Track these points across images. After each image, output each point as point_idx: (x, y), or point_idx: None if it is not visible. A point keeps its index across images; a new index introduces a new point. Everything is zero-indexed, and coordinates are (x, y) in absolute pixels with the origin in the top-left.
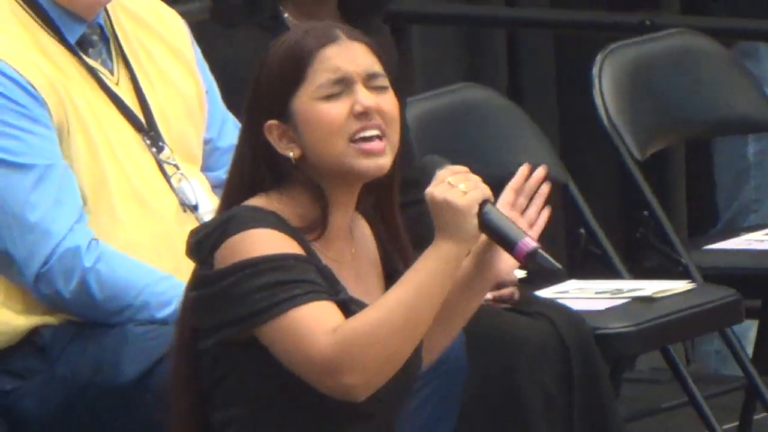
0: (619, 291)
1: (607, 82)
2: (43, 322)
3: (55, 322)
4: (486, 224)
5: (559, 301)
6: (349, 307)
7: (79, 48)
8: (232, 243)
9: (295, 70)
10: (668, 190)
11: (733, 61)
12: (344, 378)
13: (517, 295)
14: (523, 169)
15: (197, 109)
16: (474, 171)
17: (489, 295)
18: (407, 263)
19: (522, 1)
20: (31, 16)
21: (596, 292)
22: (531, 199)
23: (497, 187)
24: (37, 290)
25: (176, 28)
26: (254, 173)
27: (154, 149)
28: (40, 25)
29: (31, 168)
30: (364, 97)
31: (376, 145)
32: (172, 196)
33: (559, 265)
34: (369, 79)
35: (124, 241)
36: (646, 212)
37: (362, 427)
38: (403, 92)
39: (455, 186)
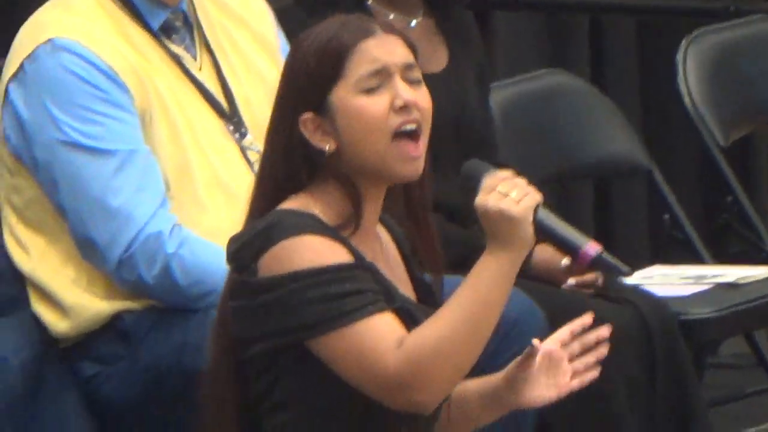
0: (703, 277)
1: (691, 68)
2: (126, 307)
3: (137, 307)
4: (544, 230)
5: (643, 287)
6: (408, 311)
7: (162, 34)
8: (279, 251)
9: (334, 63)
10: (752, 176)
11: None
12: (415, 395)
13: (601, 281)
14: (587, 318)
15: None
16: (557, 157)
17: (572, 281)
18: (436, 265)
19: None
20: (115, 3)
21: (680, 278)
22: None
23: (579, 176)
24: (119, 276)
25: (261, 14)
26: (289, 169)
27: (237, 135)
28: (122, 10)
29: (113, 153)
30: (404, 91)
31: (415, 148)
32: None
33: (626, 267)
34: (406, 71)
35: (207, 227)
36: (729, 198)
37: (409, 426)
38: (486, 78)
39: (507, 194)
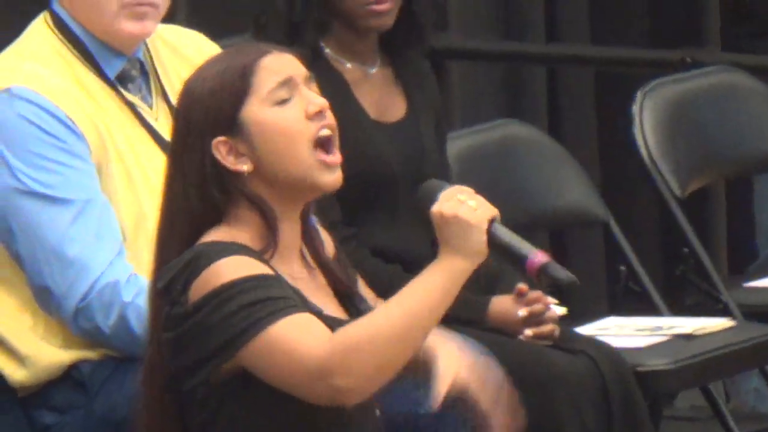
0: (659, 328)
1: (647, 119)
2: (83, 356)
3: (94, 356)
4: (495, 240)
5: (599, 338)
6: (325, 322)
7: (118, 83)
8: (204, 277)
9: (239, 80)
10: (708, 227)
11: None
12: (337, 380)
13: (557, 332)
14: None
15: None
16: (513, 208)
17: (529, 332)
18: (329, 271)
19: (562, 37)
20: (71, 51)
21: (636, 329)
22: None
23: (535, 227)
24: (76, 325)
25: None
26: (206, 202)
27: None
28: (79, 60)
29: (70, 202)
30: (315, 97)
31: (336, 158)
32: None
33: (572, 276)
34: (308, 81)
35: None
36: (686, 249)
37: None
38: (443, 127)
39: (465, 203)
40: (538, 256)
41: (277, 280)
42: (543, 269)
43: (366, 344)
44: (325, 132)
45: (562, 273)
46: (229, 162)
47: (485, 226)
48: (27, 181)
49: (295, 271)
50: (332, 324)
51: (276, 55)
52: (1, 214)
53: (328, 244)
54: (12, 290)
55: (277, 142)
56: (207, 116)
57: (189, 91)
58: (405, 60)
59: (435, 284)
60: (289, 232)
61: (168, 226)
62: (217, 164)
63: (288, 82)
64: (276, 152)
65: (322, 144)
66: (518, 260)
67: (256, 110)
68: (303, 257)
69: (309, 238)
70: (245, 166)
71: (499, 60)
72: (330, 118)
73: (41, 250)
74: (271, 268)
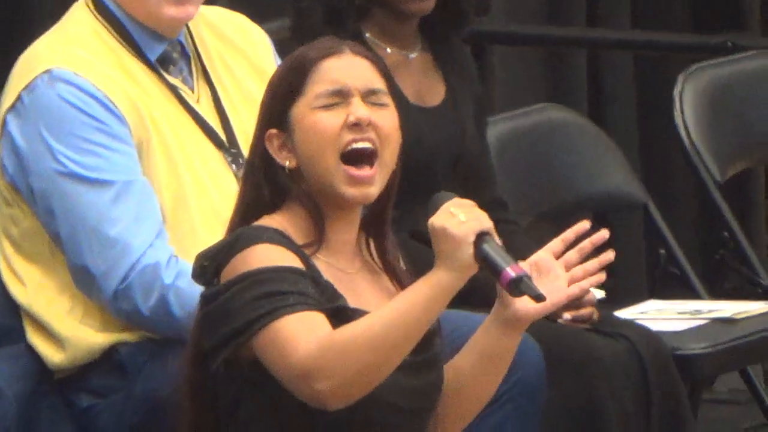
0: (699, 312)
1: (688, 102)
2: (121, 339)
3: (133, 339)
4: (479, 254)
5: (639, 321)
6: (345, 315)
7: (160, 66)
8: (236, 261)
9: (296, 79)
10: (749, 211)
11: None
12: (316, 384)
13: (596, 316)
14: (583, 225)
15: None
16: (553, 191)
17: (568, 315)
18: (397, 279)
19: (603, 22)
20: (112, 35)
21: (675, 313)
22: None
23: (576, 210)
24: (115, 307)
25: (261, 45)
26: (255, 188)
27: (234, 167)
28: (121, 43)
29: (111, 184)
30: (358, 109)
31: (364, 173)
32: None
33: (541, 292)
34: (368, 95)
35: None
36: (725, 233)
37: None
38: (484, 112)
39: (455, 216)
40: (512, 270)
41: (300, 273)
42: (515, 282)
43: (346, 350)
44: (358, 145)
45: (533, 289)
46: (279, 156)
47: (471, 239)
48: (68, 164)
49: (342, 265)
50: (354, 316)
51: (342, 60)
52: (42, 196)
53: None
54: (51, 273)
55: (310, 145)
56: (266, 107)
57: (270, 79)
58: (445, 45)
59: (420, 296)
60: (340, 231)
61: (235, 206)
62: (267, 155)
63: (340, 92)
64: (309, 155)
65: (351, 156)
66: (495, 273)
67: (303, 110)
68: (361, 255)
69: (380, 243)
70: (288, 162)
71: (541, 44)
72: (374, 134)
73: (82, 230)
74: (306, 260)
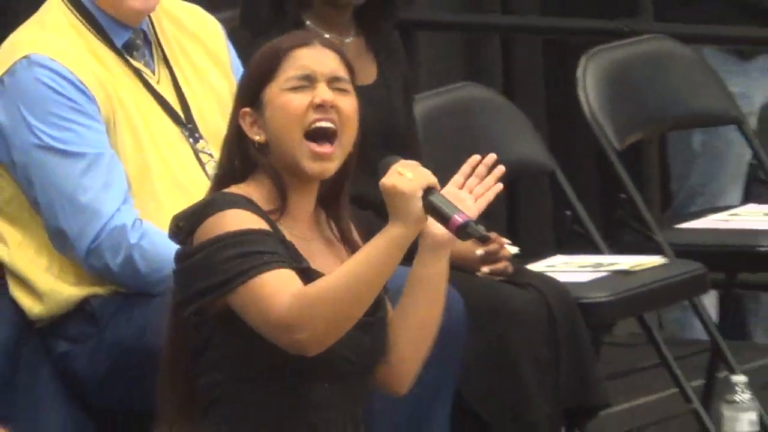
0: (600, 265)
1: (590, 81)
2: (93, 292)
3: (103, 292)
4: (428, 206)
5: (547, 273)
6: (308, 275)
7: (125, 51)
8: (208, 223)
9: (270, 64)
10: (643, 176)
11: (699, 62)
12: (296, 335)
13: (510, 269)
14: (474, 158)
15: (230, 106)
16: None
17: (486, 269)
18: (351, 247)
19: (515, 9)
20: (83, 23)
21: (580, 266)
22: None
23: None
24: (88, 264)
25: (214, 33)
26: (228, 159)
27: (191, 140)
28: (91, 31)
29: (82, 156)
30: (323, 92)
31: (325, 149)
32: (207, 182)
33: (488, 234)
34: (332, 81)
35: (164, 222)
36: (623, 195)
37: (331, 387)
38: (411, 90)
39: (403, 174)
40: (458, 218)
41: (270, 236)
42: (462, 227)
43: (319, 302)
44: (321, 124)
45: (477, 231)
46: (251, 132)
47: (419, 194)
48: (44, 138)
49: (301, 232)
50: (315, 276)
51: (312, 49)
52: (22, 167)
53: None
54: (30, 234)
55: (279, 122)
56: (242, 88)
57: (247, 64)
58: (376, 31)
59: (378, 249)
60: (300, 201)
61: (214, 173)
62: (241, 131)
63: (308, 77)
64: (277, 131)
65: (314, 134)
66: (444, 221)
67: (275, 91)
68: (318, 225)
69: (337, 217)
70: (257, 137)
71: (460, 30)
72: (336, 115)
73: (57, 197)
74: (271, 224)
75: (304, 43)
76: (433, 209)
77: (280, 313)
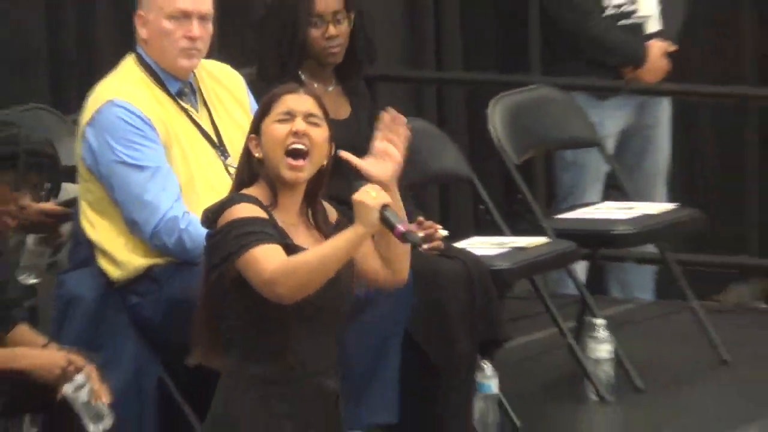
0: (504, 243)
1: (497, 117)
2: (155, 262)
3: (162, 262)
4: (383, 218)
5: (468, 249)
6: (292, 249)
7: (177, 96)
8: (227, 213)
9: (267, 105)
10: (534, 181)
11: (571, 102)
12: (278, 290)
13: (442, 246)
14: (384, 116)
15: None
16: (414, 171)
17: (426, 246)
18: (324, 233)
19: (446, 67)
20: (148, 77)
21: (490, 245)
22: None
23: (428, 183)
24: (152, 243)
25: (239, 84)
26: (241, 172)
27: (222, 158)
28: (154, 82)
29: (147, 168)
30: (299, 124)
31: (298, 163)
32: None
33: (420, 240)
34: (307, 116)
35: None
36: (520, 195)
37: (308, 325)
38: (373, 122)
39: (369, 193)
40: (400, 229)
41: (267, 221)
42: (403, 234)
43: (296, 269)
44: (296, 146)
45: (413, 238)
46: (254, 150)
47: (378, 208)
48: (121, 155)
49: (288, 219)
50: (297, 250)
51: (295, 94)
52: (106, 176)
53: (331, 215)
54: (113, 222)
55: (269, 144)
56: (252, 123)
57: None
58: (350, 82)
59: (344, 240)
60: (288, 199)
61: (232, 185)
62: (249, 150)
63: (289, 113)
64: (268, 150)
65: (291, 152)
66: (391, 229)
67: (267, 123)
68: (302, 215)
69: (314, 210)
70: (257, 154)
71: (406, 82)
72: (308, 140)
73: (129, 197)
74: (269, 214)
75: (290, 91)
76: (385, 220)
77: (268, 274)
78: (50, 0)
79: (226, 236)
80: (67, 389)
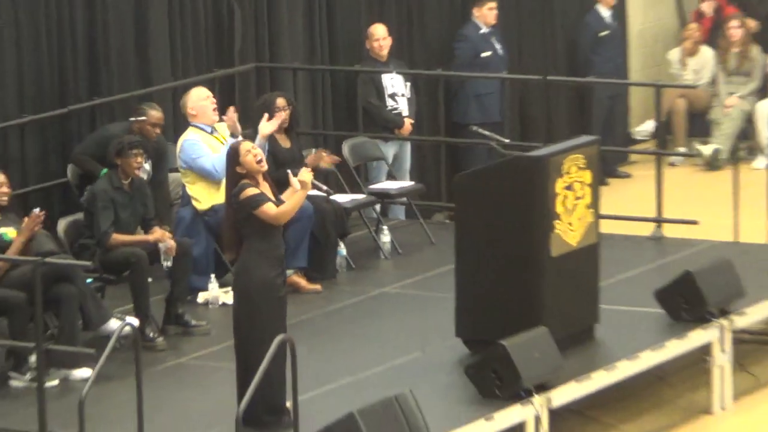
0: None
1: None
2: (212, 204)
3: (216, 204)
4: (313, 185)
5: (332, 198)
6: (275, 203)
7: (212, 131)
8: (244, 191)
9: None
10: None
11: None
12: (279, 220)
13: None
14: (311, 156)
15: None
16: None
17: (325, 188)
18: (275, 194)
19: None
20: (200, 130)
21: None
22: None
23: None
24: (212, 175)
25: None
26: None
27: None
28: (203, 132)
29: (206, 157)
30: (260, 153)
31: (261, 167)
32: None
33: (327, 192)
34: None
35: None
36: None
37: (279, 230)
38: (301, 151)
39: (306, 173)
40: (320, 186)
41: (263, 193)
42: (320, 190)
43: (285, 212)
44: (258, 159)
45: (325, 191)
46: (247, 162)
47: (310, 180)
48: (193, 155)
49: (265, 191)
50: (279, 203)
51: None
52: (190, 165)
53: (272, 187)
54: (200, 185)
55: (247, 164)
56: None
57: None
58: (291, 133)
59: (299, 196)
60: (263, 182)
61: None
62: (236, 168)
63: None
64: (247, 165)
65: (258, 162)
66: (316, 188)
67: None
68: (270, 188)
69: (272, 185)
70: (240, 170)
71: (320, 135)
72: (264, 159)
73: (201, 170)
74: (260, 191)
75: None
76: (314, 185)
77: (273, 213)
78: None
79: (246, 200)
80: (161, 247)
